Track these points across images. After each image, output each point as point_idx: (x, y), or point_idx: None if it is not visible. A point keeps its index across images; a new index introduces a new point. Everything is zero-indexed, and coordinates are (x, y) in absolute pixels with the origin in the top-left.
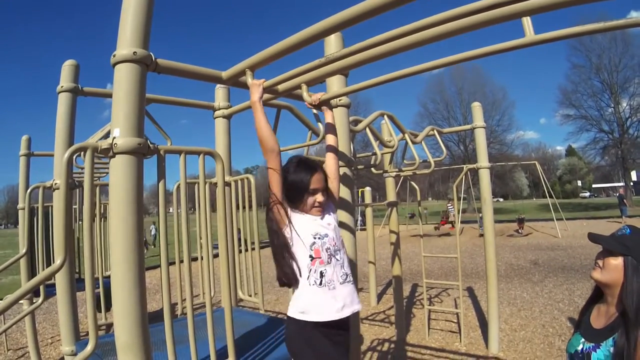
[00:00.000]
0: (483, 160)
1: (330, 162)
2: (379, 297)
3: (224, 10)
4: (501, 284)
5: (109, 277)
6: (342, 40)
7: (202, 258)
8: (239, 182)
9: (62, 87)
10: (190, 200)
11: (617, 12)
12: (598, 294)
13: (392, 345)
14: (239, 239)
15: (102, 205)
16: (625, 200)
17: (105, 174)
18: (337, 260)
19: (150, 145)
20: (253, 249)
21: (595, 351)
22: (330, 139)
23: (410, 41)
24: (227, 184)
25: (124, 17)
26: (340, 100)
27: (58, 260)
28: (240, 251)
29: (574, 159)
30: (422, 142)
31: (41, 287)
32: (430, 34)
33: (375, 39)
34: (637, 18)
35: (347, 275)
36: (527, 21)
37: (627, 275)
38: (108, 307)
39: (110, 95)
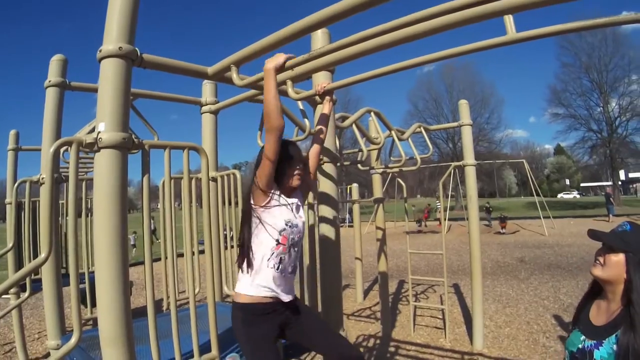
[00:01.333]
0: (469, 158)
1: (313, 151)
2: (365, 293)
3: (209, 5)
4: (487, 280)
5: (92, 272)
6: (328, 36)
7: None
8: (225, 177)
9: (49, 81)
10: (178, 196)
11: (610, 12)
12: (595, 290)
13: (378, 341)
14: (225, 236)
15: (89, 200)
16: (612, 199)
17: (92, 169)
18: (295, 251)
19: (135, 140)
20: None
21: (598, 349)
22: (321, 130)
23: (394, 38)
24: (213, 180)
25: (110, 13)
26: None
27: (43, 254)
28: (226, 247)
29: (563, 158)
30: (409, 140)
31: (27, 282)
32: (415, 31)
33: (360, 35)
34: (618, 16)
35: (295, 268)
36: (509, 19)
37: (629, 272)
38: (94, 302)
39: (96, 90)
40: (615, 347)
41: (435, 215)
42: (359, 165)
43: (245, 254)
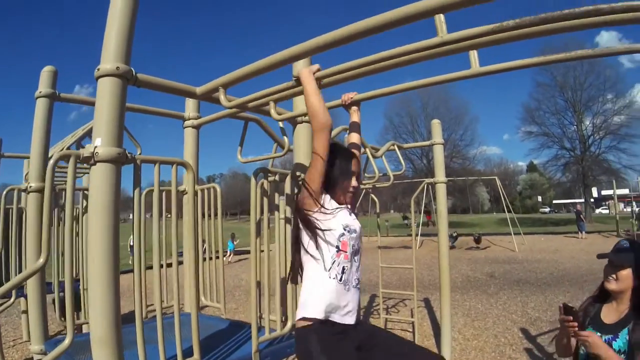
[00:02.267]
0: (440, 175)
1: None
2: None
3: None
4: (457, 295)
5: (77, 280)
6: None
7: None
8: (206, 190)
9: (40, 92)
10: (149, 209)
11: (587, 32)
12: (600, 298)
13: None
14: (204, 249)
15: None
16: (582, 217)
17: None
18: (356, 262)
19: (128, 155)
20: (217, 257)
21: (615, 340)
22: (354, 137)
23: (364, 71)
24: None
25: (108, 34)
26: (305, 117)
27: (41, 259)
28: (204, 259)
29: (535, 175)
30: (383, 157)
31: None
32: (383, 65)
33: (334, 69)
34: (578, 52)
35: (359, 281)
36: (473, 55)
37: (636, 281)
38: (75, 309)
39: (85, 102)
40: (627, 337)
41: (408, 231)
42: None
43: (296, 269)
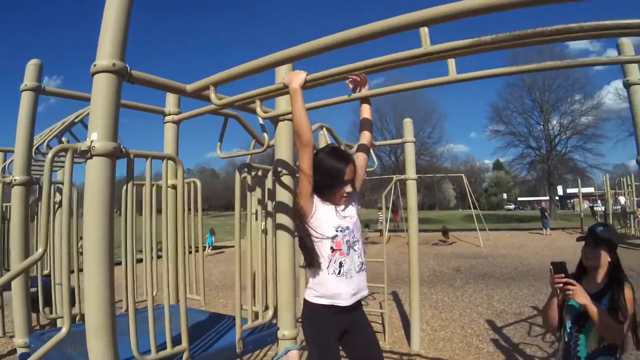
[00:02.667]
0: (411, 172)
1: (362, 154)
2: None
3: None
4: (424, 288)
5: (47, 276)
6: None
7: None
8: (186, 185)
9: (25, 85)
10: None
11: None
12: (577, 275)
13: None
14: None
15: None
16: (547, 214)
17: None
18: (355, 250)
19: (122, 149)
20: (197, 251)
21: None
22: (365, 136)
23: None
24: (173, 187)
25: (104, 31)
26: (287, 115)
27: (40, 249)
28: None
29: (501, 173)
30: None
31: None
32: (372, 70)
33: (325, 72)
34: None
35: (362, 264)
36: (451, 63)
37: (612, 257)
38: (44, 305)
39: (70, 96)
40: (608, 302)
41: (375, 227)
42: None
43: (309, 261)
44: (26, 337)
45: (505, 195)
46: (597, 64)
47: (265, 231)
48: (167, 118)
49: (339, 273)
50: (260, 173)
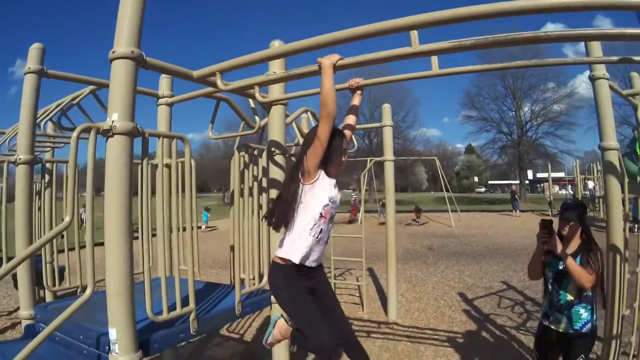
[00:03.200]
0: (389, 154)
1: (348, 132)
2: None
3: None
4: (399, 265)
5: (38, 256)
6: (284, 63)
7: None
8: (179, 164)
9: (29, 68)
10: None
11: (534, 23)
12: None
13: None
14: None
15: (35, 184)
16: (516, 197)
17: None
18: (330, 224)
19: (139, 129)
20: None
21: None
22: (351, 119)
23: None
24: (167, 166)
25: (121, 20)
26: (280, 101)
27: (67, 218)
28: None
29: (473, 157)
30: None
31: None
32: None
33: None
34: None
35: (329, 237)
36: (434, 60)
37: (584, 226)
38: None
39: (71, 79)
40: (580, 259)
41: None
42: (292, 157)
43: (287, 219)
44: (31, 309)
45: (476, 179)
46: (564, 64)
47: (260, 206)
48: (161, 101)
49: (317, 237)
50: (255, 152)
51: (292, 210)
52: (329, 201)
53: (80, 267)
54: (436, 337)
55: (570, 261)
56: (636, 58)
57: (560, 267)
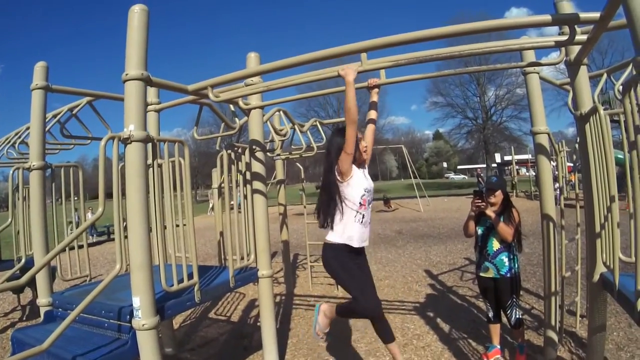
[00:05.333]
0: None
1: (370, 131)
2: None
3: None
4: (369, 249)
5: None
6: (260, 79)
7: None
8: (170, 164)
9: (36, 84)
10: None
11: (499, 7)
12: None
13: (284, 298)
14: None
15: (25, 190)
16: (481, 179)
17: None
18: (369, 209)
19: (150, 137)
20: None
21: (499, 219)
22: (372, 114)
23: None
24: (159, 166)
25: (130, 46)
26: (256, 108)
27: (100, 208)
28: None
29: (441, 143)
30: (307, 131)
31: None
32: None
33: (270, 83)
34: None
35: (370, 219)
36: (382, 72)
37: (505, 194)
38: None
39: (75, 93)
40: (502, 218)
41: None
42: (268, 153)
43: (333, 214)
44: (49, 297)
45: (445, 164)
46: (506, 68)
47: (245, 196)
48: (150, 107)
49: (361, 222)
50: (240, 150)
51: (335, 206)
52: (365, 191)
53: (79, 263)
54: (404, 307)
55: (496, 219)
56: (543, 61)
57: (487, 225)
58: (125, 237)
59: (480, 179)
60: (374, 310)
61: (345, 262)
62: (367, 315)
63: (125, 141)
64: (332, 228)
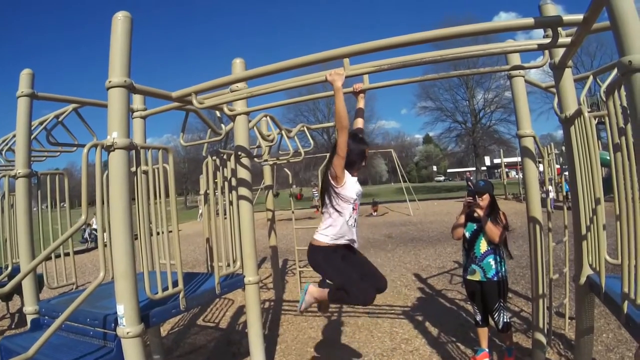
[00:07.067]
0: None
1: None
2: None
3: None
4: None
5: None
6: (245, 85)
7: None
8: (155, 170)
9: (22, 92)
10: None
11: (488, 12)
12: (469, 214)
13: (272, 303)
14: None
15: (12, 197)
16: (471, 182)
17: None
18: (357, 212)
19: (133, 144)
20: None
21: (486, 223)
22: (360, 122)
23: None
24: (145, 172)
25: (113, 54)
26: (241, 114)
27: (83, 216)
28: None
29: (430, 146)
30: (295, 137)
31: None
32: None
33: (254, 89)
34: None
35: (356, 221)
36: (366, 77)
37: (492, 197)
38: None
39: (61, 100)
40: (490, 218)
41: (312, 203)
42: (255, 159)
43: (329, 214)
44: (36, 305)
45: (435, 168)
46: (490, 72)
47: (231, 202)
48: (136, 114)
49: (352, 225)
50: (225, 156)
51: (331, 206)
52: (356, 196)
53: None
54: (392, 311)
55: (484, 218)
56: (527, 64)
57: (475, 228)
58: (105, 245)
59: (469, 182)
60: (365, 302)
61: (330, 259)
62: (359, 302)
63: (109, 148)
64: (320, 229)
